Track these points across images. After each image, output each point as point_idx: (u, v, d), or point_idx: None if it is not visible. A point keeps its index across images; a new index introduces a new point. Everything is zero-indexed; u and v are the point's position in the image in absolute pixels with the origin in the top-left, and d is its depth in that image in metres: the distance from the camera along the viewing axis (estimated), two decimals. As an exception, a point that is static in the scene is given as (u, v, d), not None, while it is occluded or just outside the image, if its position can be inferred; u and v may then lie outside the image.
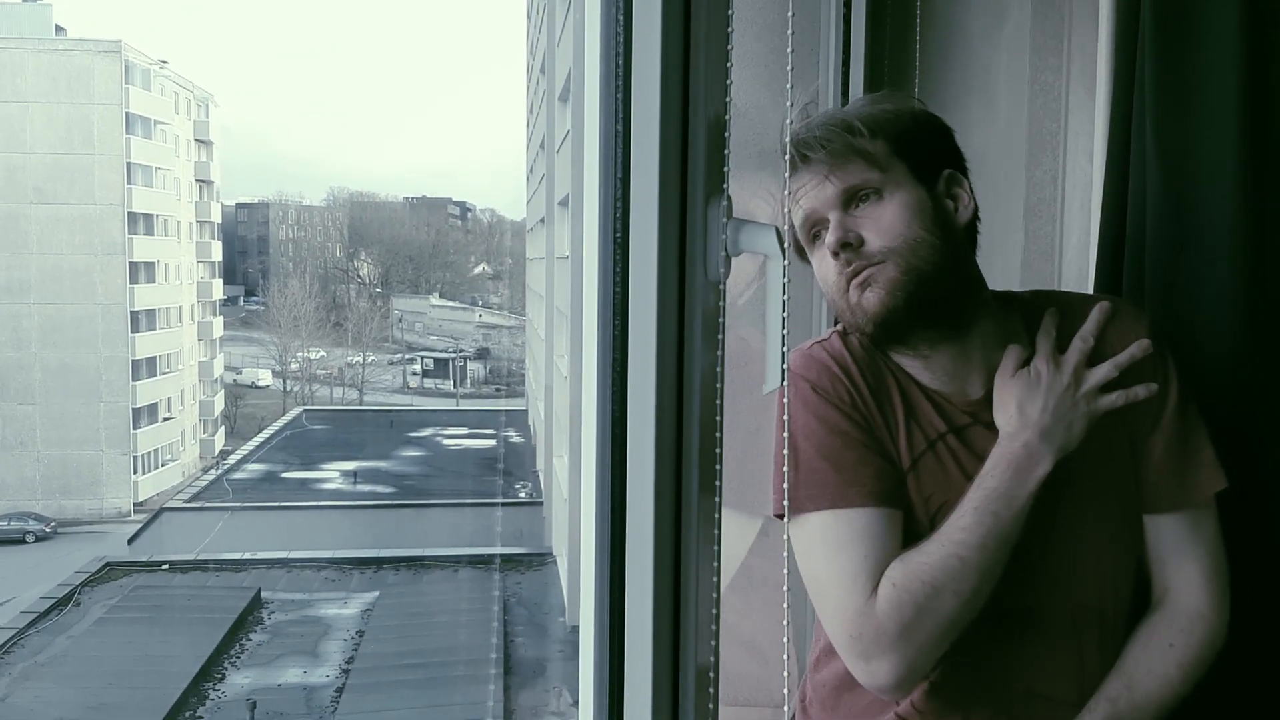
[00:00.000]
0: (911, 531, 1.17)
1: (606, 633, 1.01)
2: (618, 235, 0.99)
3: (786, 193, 1.22)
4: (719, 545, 1.06)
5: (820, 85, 2.00)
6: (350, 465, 27.86)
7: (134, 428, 36.81)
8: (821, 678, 1.30)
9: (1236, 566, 1.24)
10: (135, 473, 36.31)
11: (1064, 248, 2.01)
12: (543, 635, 15.83)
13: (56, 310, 36.70)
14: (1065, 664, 1.21)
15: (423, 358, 53.13)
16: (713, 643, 1.05)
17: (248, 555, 19.85)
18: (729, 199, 1.04)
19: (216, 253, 47.07)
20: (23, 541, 28.91)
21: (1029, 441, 1.15)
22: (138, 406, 37.11)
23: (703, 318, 1.01)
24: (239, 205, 67.49)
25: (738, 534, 2.06)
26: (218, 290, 47.32)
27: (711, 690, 1.05)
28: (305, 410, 37.86)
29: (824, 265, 1.21)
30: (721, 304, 1.04)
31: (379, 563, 19.45)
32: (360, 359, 51.05)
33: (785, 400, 1.20)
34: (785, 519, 1.18)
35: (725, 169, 1.03)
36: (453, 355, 52.46)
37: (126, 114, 37.67)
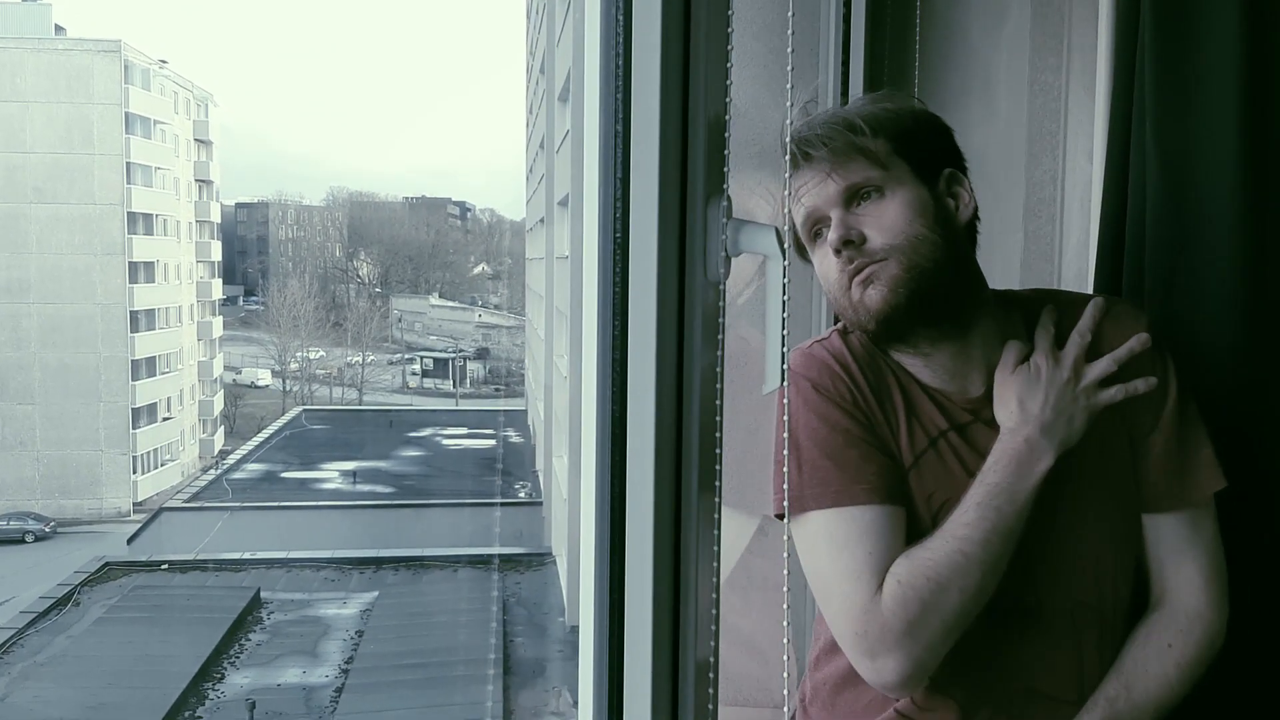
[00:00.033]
0: (914, 529, 1.17)
1: (606, 632, 1.01)
2: (618, 235, 0.99)
3: (787, 191, 1.22)
4: (719, 545, 1.06)
5: (820, 85, 2.00)
6: (350, 465, 27.87)
7: (133, 427, 36.80)
8: (821, 676, 1.30)
9: (1235, 566, 1.24)
10: (134, 472, 36.30)
11: (1064, 248, 2.01)
12: (542, 635, 15.83)
13: (56, 310, 36.69)
14: (1065, 663, 1.21)
15: (422, 358, 53.14)
16: (712, 643, 1.05)
17: (247, 555, 19.85)
18: (729, 199, 1.04)
19: (216, 252, 47.06)
20: (22, 541, 28.90)
21: (1030, 436, 1.15)
22: (137, 406, 37.11)
23: (702, 317, 1.01)
24: (239, 205, 67.54)
25: (737, 533, 2.06)
26: (217, 290, 47.31)
27: (711, 691, 1.05)
28: (305, 410, 37.87)
29: (825, 263, 1.21)
30: (721, 304, 1.04)
31: (378, 563, 19.45)
32: (360, 359, 51.06)
33: (785, 400, 1.20)
34: (786, 519, 1.18)
35: (725, 169, 1.03)
36: (452, 355, 52.48)
37: (126, 114, 37.67)
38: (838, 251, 1.18)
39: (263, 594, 18.07)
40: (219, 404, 44.87)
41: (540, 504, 21.86)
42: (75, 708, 14.31)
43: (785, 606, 1.22)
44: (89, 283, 37.01)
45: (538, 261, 21.88)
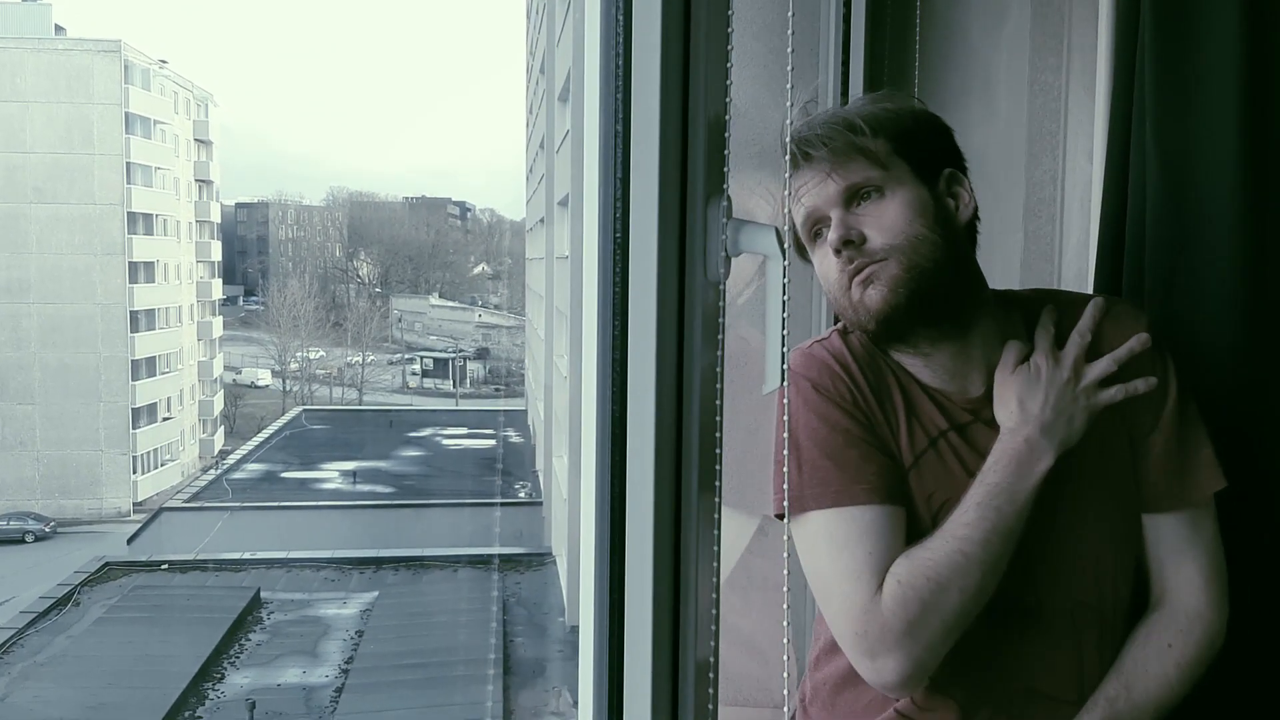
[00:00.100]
0: (914, 529, 1.17)
1: (606, 632, 1.01)
2: (618, 235, 0.99)
3: (787, 191, 1.22)
4: (719, 545, 1.06)
5: (820, 85, 2.00)
6: (350, 465, 27.87)
7: (133, 427, 36.80)
8: (821, 676, 1.30)
9: (1235, 566, 1.24)
10: (134, 472, 36.30)
11: (1064, 248, 2.01)
12: (542, 635, 15.83)
13: (56, 310, 36.69)
14: (1065, 663, 1.21)
15: (422, 358, 53.14)
16: (712, 643, 1.05)
17: (247, 555, 19.85)
18: (729, 199, 1.04)
19: (216, 252, 47.06)
20: (22, 541, 28.89)
21: (1030, 436, 1.15)
22: (137, 406, 37.11)
23: (702, 317, 1.01)
24: (239, 205, 67.54)
25: (737, 533, 2.07)
26: (217, 290, 47.31)
27: (711, 691, 1.05)
28: (305, 410, 37.87)
29: (825, 263, 1.21)
30: (721, 304, 1.04)
31: (378, 563, 19.45)
32: (360, 359, 51.06)
33: (785, 400, 1.20)
34: (786, 519, 1.18)
35: (725, 169, 1.03)
36: (452, 355, 52.47)
37: (126, 114, 37.67)
38: (838, 251, 1.18)
39: (263, 594, 18.07)
40: (219, 404, 44.87)
41: (540, 504, 21.86)
42: (75, 708, 14.31)
43: (785, 606, 1.22)
44: (89, 283, 37.01)
45: (538, 261, 21.88)
